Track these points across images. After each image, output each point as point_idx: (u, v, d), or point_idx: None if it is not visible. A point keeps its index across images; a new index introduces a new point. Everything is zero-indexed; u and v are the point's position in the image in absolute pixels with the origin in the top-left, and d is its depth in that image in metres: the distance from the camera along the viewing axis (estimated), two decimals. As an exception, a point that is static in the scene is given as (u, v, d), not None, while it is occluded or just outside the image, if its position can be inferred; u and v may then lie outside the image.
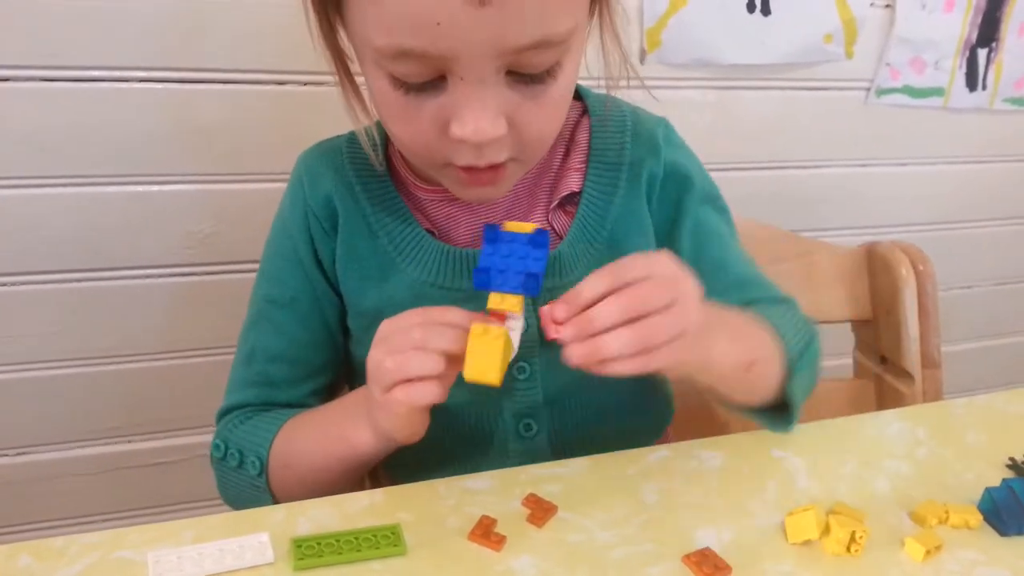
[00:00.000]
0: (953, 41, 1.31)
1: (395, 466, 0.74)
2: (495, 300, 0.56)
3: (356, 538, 0.54)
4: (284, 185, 1.06)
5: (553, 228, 0.71)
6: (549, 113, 0.60)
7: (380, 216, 0.71)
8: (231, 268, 1.10)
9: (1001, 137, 1.44)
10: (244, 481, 0.70)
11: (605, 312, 0.52)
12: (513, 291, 0.56)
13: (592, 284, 0.53)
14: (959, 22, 1.30)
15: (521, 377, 0.70)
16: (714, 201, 0.78)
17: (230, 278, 1.10)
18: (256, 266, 1.09)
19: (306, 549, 0.53)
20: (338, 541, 0.54)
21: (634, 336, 0.51)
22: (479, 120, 0.56)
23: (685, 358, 0.55)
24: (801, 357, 0.68)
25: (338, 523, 0.57)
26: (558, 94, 0.59)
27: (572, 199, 0.72)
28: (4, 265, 1.02)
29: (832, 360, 1.35)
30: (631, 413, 0.76)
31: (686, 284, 0.55)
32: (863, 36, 1.25)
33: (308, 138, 1.05)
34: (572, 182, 0.71)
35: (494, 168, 0.60)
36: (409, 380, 0.56)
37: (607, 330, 0.52)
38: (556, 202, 0.71)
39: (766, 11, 1.18)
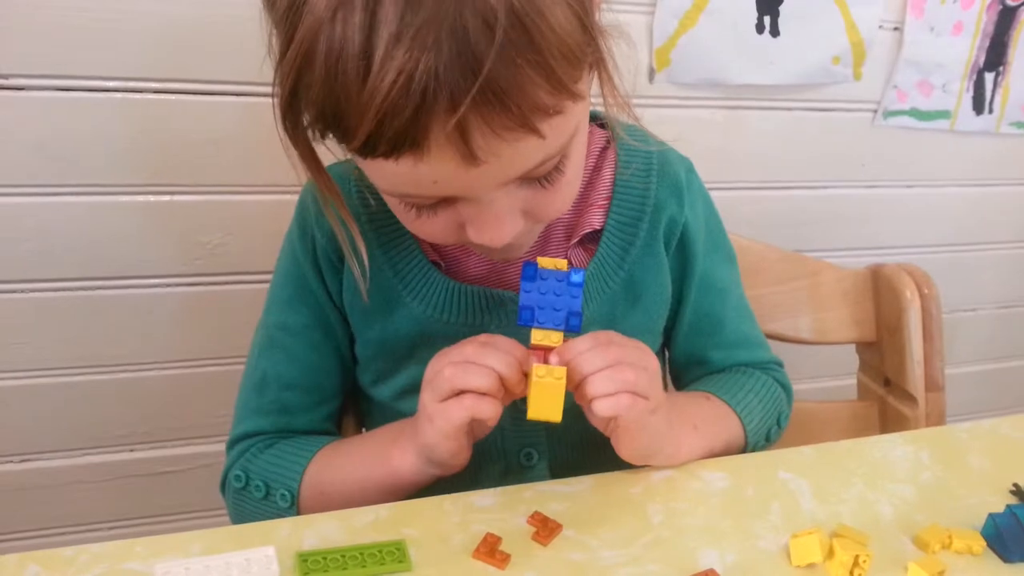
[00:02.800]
0: (960, 64, 1.32)
1: None
2: (539, 336, 0.59)
3: (361, 553, 0.55)
4: (293, 197, 1.08)
5: (571, 263, 0.71)
6: (564, 193, 0.59)
7: (386, 249, 0.70)
8: (239, 279, 1.10)
9: (1007, 160, 1.45)
10: (270, 512, 0.69)
11: (589, 359, 0.58)
12: (556, 328, 0.59)
13: (581, 343, 0.59)
14: (967, 46, 1.31)
15: (524, 408, 0.70)
16: (724, 250, 0.80)
17: (238, 288, 1.11)
18: (264, 277, 1.10)
19: (312, 564, 0.53)
20: (343, 556, 0.54)
21: (615, 377, 0.58)
22: (494, 230, 0.56)
23: (651, 444, 0.63)
24: (765, 439, 0.76)
25: (344, 538, 0.57)
26: (571, 174, 0.58)
27: (593, 235, 0.72)
28: (14, 273, 1.03)
29: (836, 381, 1.37)
30: None
31: (655, 362, 0.62)
32: (871, 58, 1.25)
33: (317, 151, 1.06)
34: (594, 219, 0.71)
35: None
36: (466, 392, 0.58)
37: (590, 375, 0.58)
38: (577, 239, 0.71)
39: (775, 32, 1.18)
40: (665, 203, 0.73)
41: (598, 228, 0.71)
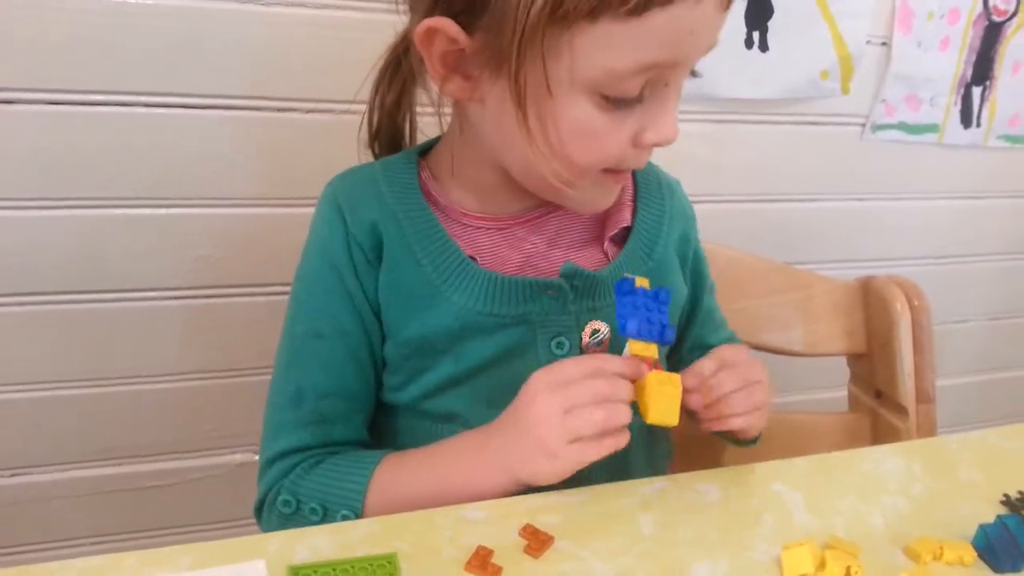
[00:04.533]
0: (948, 79, 1.33)
1: None
2: (639, 348, 0.63)
3: (353, 567, 0.54)
4: (285, 211, 1.08)
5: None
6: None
7: (423, 243, 0.70)
8: (230, 292, 1.10)
9: (995, 173, 1.46)
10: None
11: (726, 380, 0.66)
12: (652, 340, 0.64)
13: (708, 364, 0.66)
14: (954, 60, 1.32)
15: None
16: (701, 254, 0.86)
17: (228, 302, 1.10)
18: (255, 290, 1.10)
19: (303, 577, 0.53)
20: (335, 570, 0.54)
21: (748, 398, 0.66)
22: (673, 123, 0.63)
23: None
24: None
25: (335, 551, 0.56)
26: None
27: (621, 234, 0.75)
28: (5, 286, 1.02)
29: (827, 393, 1.37)
30: (644, 454, 0.77)
31: (767, 374, 0.69)
32: (859, 73, 1.26)
33: (310, 164, 1.06)
34: (624, 216, 0.75)
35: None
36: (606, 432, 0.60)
37: (727, 395, 0.65)
38: (611, 235, 0.74)
39: (764, 47, 1.19)
40: (677, 215, 0.79)
41: (628, 226, 0.75)
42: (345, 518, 0.66)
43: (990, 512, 0.63)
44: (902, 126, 1.34)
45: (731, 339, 0.86)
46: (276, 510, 0.69)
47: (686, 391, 0.64)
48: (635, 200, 0.77)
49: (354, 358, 0.72)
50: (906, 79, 1.30)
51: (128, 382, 1.11)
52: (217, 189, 1.05)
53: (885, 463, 0.71)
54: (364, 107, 0.94)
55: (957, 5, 1.29)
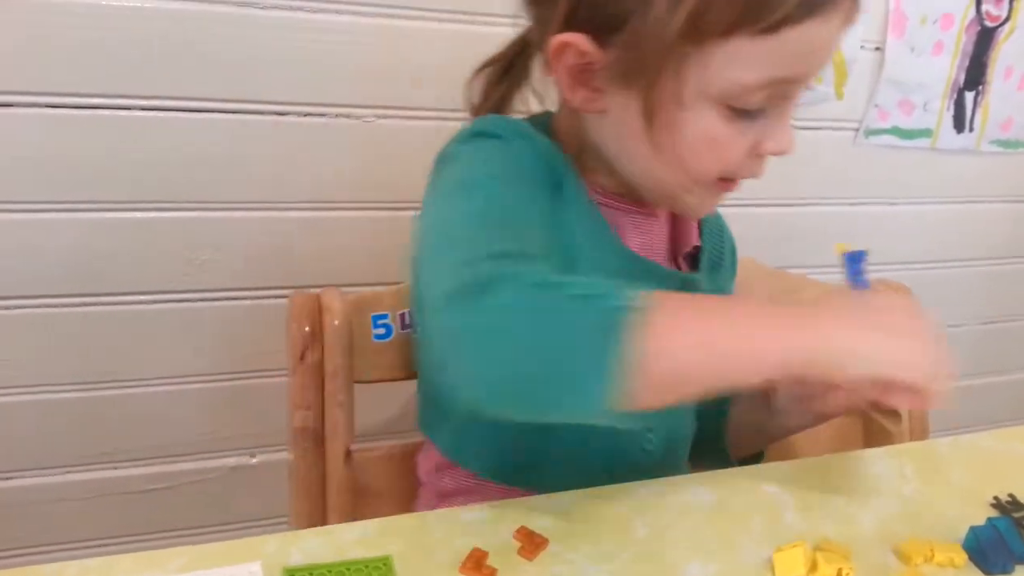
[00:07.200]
0: (941, 84, 1.34)
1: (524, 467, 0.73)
2: None
3: (348, 569, 0.55)
4: (279, 214, 1.08)
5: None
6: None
7: (577, 204, 0.69)
8: (227, 295, 1.11)
9: (987, 178, 1.47)
10: (593, 315, 0.50)
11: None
12: None
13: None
14: (947, 65, 1.33)
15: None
16: None
17: (225, 305, 1.11)
18: (252, 293, 1.10)
19: (298, 579, 0.53)
20: (330, 572, 0.54)
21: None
22: (791, 134, 0.65)
23: None
24: None
25: (330, 554, 0.57)
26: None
27: (691, 254, 0.78)
28: (0, 289, 1.02)
29: (820, 396, 1.37)
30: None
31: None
32: (853, 78, 1.27)
33: (307, 168, 1.07)
34: (694, 236, 0.78)
35: None
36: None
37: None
38: (687, 250, 0.78)
39: (758, 52, 1.20)
40: (726, 233, 0.85)
41: (698, 244, 0.78)
42: (625, 298, 0.51)
43: (980, 515, 0.64)
44: (895, 131, 1.35)
45: None
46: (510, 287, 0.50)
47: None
48: (699, 222, 0.80)
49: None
50: (899, 84, 1.31)
51: (122, 386, 1.11)
52: (211, 193, 1.06)
53: (876, 465, 0.71)
54: (359, 111, 0.94)
55: (950, 10, 1.30)
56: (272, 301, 1.11)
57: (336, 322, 0.80)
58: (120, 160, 1.01)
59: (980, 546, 0.59)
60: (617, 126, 0.66)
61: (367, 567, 0.55)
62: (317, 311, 0.80)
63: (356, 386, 0.84)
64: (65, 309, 1.06)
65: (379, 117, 1.08)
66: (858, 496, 0.67)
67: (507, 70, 0.75)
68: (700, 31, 0.58)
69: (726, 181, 0.68)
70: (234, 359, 1.14)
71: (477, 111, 0.76)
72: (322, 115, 1.06)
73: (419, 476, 0.84)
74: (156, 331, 1.10)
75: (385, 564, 0.55)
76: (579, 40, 0.62)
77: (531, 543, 0.58)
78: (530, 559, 0.57)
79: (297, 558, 0.56)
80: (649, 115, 0.62)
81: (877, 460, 0.72)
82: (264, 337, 1.12)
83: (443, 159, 0.68)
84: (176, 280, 1.08)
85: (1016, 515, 0.65)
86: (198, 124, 1.02)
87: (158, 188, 1.03)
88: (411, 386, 0.85)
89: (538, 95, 0.76)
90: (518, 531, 0.59)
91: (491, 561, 0.56)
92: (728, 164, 0.65)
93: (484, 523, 0.61)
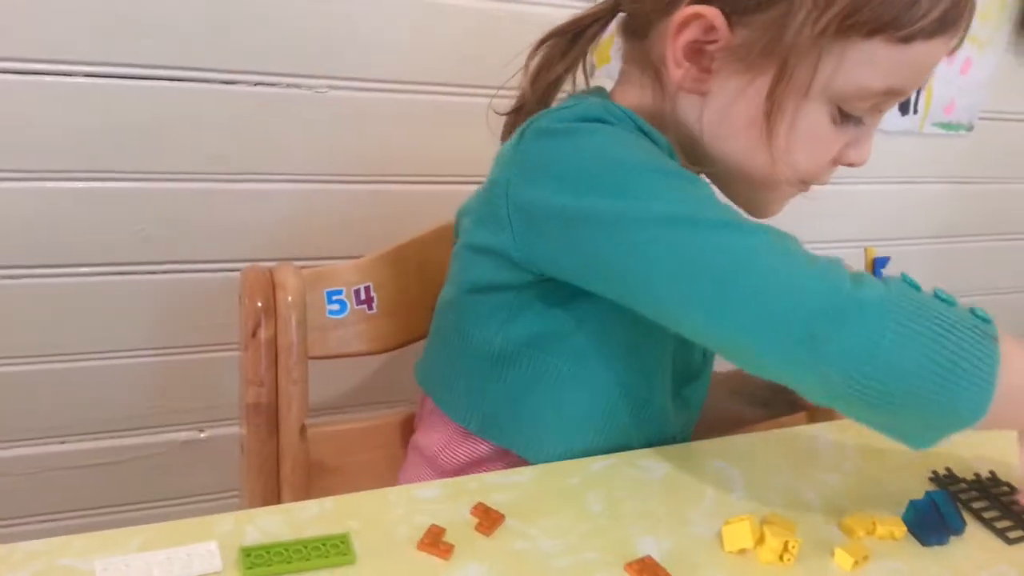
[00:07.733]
0: (887, 66, 1.37)
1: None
2: None
3: (305, 547, 0.55)
4: (234, 185, 1.06)
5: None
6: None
7: None
8: (176, 268, 1.09)
9: (929, 159, 1.51)
10: (981, 334, 0.54)
11: None
12: None
13: None
14: (893, 48, 1.36)
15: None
16: None
17: (175, 278, 1.09)
18: (204, 266, 1.09)
19: (255, 558, 0.53)
20: (287, 550, 0.54)
21: None
22: (871, 148, 0.68)
23: None
24: None
25: (287, 532, 0.57)
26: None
27: None
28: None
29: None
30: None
31: None
32: (803, 58, 1.29)
33: (256, 138, 1.05)
34: None
35: None
36: None
37: None
38: None
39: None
40: None
41: None
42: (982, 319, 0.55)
43: (919, 488, 0.66)
44: (843, 111, 1.37)
45: None
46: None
47: None
48: None
49: None
50: (848, 65, 1.33)
51: (69, 359, 1.09)
52: (159, 163, 1.03)
53: (820, 441, 0.74)
54: (311, 81, 0.92)
55: (898, -6, 1.32)
56: (223, 275, 1.10)
57: (290, 298, 0.79)
58: (63, 128, 0.98)
59: (918, 518, 0.62)
60: (719, 111, 0.66)
61: (325, 545, 0.55)
62: (270, 286, 0.79)
63: (309, 362, 0.84)
64: (7, 281, 1.03)
65: (332, 88, 1.06)
66: (804, 471, 0.69)
67: (575, 41, 0.73)
68: (849, 27, 0.59)
69: (803, 184, 0.69)
70: (183, 332, 1.12)
71: (535, 82, 0.73)
72: (273, 84, 1.04)
73: (421, 451, 0.80)
74: (102, 303, 1.07)
75: (343, 542, 0.55)
76: (713, 15, 0.61)
77: (488, 519, 0.59)
78: (487, 535, 0.58)
79: (254, 536, 0.56)
80: (777, 102, 0.62)
81: (820, 435, 0.75)
82: (215, 310, 1.10)
83: (562, 143, 0.63)
84: (123, 252, 1.05)
85: (953, 488, 0.68)
86: (144, 92, 0.99)
87: (103, 158, 1.01)
88: (366, 361, 0.85)
89: (588, 70, 0.74)
90: (475, 507, 0.60)
91: (448, 537, 0.57)
92: (818, 164, 0.67)
93: (441, 500, 0.61)
